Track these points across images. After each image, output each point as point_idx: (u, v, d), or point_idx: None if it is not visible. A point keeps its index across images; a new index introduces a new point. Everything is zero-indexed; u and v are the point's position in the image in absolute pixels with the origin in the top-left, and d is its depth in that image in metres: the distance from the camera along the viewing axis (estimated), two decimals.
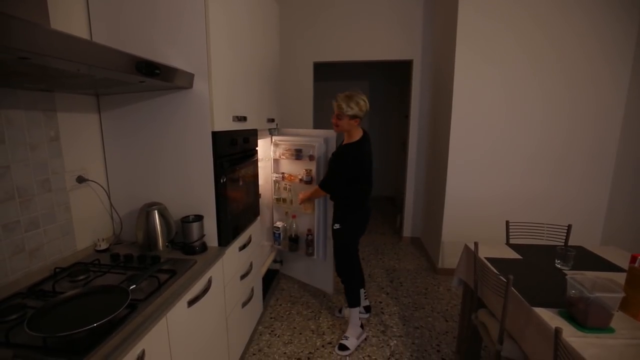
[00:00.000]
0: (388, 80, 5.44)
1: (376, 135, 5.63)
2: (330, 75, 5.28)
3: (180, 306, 1.09)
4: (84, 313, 0.88)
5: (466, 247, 1.77)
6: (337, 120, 1.87)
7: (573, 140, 2.63)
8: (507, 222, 1.91)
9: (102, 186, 1.47)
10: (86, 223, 1.40)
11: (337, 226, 2.00)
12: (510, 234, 1.91)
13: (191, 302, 1.15)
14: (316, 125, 3.84)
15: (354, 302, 2.03)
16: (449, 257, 2.88)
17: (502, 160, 2.70)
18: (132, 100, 1.41)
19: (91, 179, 1.40)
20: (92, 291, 0.98)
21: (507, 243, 1.84)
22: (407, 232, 3.76)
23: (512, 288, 1.25)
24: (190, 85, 1.31)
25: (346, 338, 1.96)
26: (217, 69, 1.35)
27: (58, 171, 1.26)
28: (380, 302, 2.48)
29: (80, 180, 1.35)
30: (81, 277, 1.11)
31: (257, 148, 1.92)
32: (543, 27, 2.48)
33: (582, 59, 2.50)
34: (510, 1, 2.47)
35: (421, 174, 3.60)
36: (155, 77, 1.06)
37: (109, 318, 0.82)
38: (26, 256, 1.14)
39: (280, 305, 2.42)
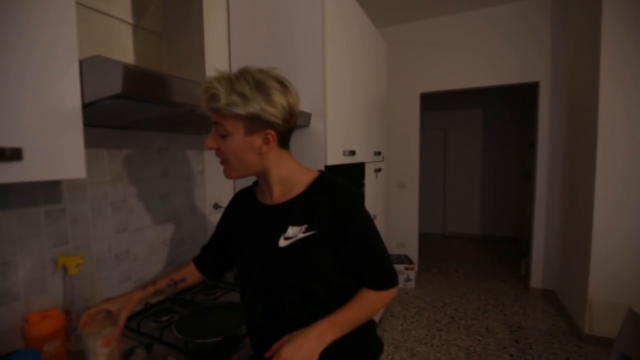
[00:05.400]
0: (505, 107, 4.91)
1: (492, 167, 5.08)
2: (437, 105, 5.10)
3: None
4: (214, 324, 1.00)
5: (631, 312, 1.36)
6: (218, 140, 0.73)
7: None
8: None
9: None
10: None
11: None
12: None
13: None
14: (423, 158, 3.69)
15: None
16: (602, 322, 2.25)
17: None
18: None
19: (223, 206, 1.65)
20: (221, 305, 1.12)
21: None
22: (536, 282, 3.13)
23: None
24: (307, 124, 1.44)
25: None
26: (331, 108, 1.46)
27: (201, 199, 1.52)
28: None
29: (216, 207, 1.60)
30: (212, 292, 1.27)
31: (364, 181, 1.95)
32: None
33: None
34: None
35: (554, 212, 3.01)
36: None
37: (233, 334, 0.91)
38: (174, 268, 1.38)
39: None
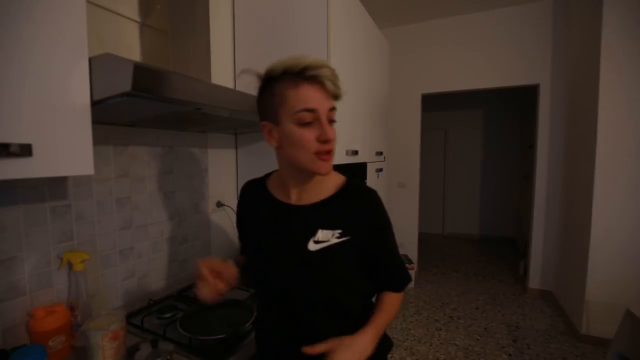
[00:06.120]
0: (506, 108, 4.93)
1: (492, 168, 5.10)
2: (438, 105, 5.11)
3: None
4: (217, 322, 1.01)
5: (629, 314, 1.37)
6: (332, 130, 0.71)
7: None
8: None
9: (234, 210, 1.71)
10: (219, 242, 1.63)
11: None
12: None
13: None
14: (423, 159, 3.70)
15: None
16: (599, 322, 2.27)
17: None
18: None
19: (226, 204, 1.65)
20: (224, 303, 1.12)
21: None
22: (534, 282, 3.16)
23: None
24: None
25: None
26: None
27: (204, 196, 1.52)
28: None
29: (219, 204, 1.60)
30: None
31: (366, 181, 1.95)
32: None
33: None
34: None
35: (553, 213, 3.03)
36: None
37: (236, 331, 0.91)
38: (177, 265, 1.39)
39: None
